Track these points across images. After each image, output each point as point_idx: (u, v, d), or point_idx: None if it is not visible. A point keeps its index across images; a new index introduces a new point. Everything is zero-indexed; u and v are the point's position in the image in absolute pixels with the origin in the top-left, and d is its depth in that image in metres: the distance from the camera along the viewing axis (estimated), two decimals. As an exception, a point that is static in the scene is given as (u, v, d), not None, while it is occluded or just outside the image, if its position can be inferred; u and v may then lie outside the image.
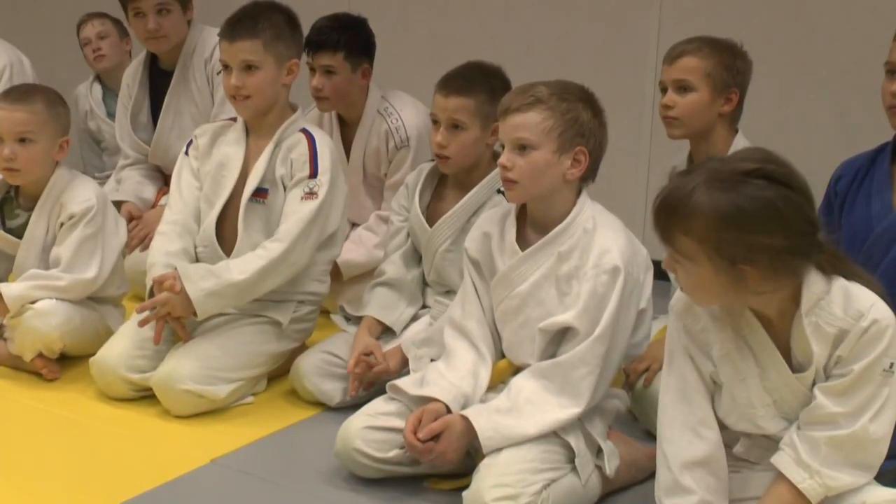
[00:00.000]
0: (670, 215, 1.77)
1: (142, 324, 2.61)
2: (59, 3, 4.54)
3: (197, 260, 2.74)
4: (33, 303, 2.71)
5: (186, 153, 2.81)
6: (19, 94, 2.82)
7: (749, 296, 1.79)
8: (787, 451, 1.83)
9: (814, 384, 1.83)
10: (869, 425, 1.78)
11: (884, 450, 1.81)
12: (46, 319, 2.70)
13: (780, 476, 1.83)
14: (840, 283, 1.80)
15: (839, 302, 1.79)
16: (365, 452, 2.23)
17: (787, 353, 1.84)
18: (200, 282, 2.57)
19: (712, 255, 1.74)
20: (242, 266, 2.60)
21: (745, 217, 1.72)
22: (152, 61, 3.50)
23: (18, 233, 2.83)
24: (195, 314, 2.59)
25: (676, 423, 1.91)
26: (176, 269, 2.61)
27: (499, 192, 2.51)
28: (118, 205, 3.26)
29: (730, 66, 2.54)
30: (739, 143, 2.57)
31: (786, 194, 1.73)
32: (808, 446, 1.80)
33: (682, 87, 2.53)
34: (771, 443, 1.89)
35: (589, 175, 2.23)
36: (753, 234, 1.72)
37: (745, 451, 1.93)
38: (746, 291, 1.78)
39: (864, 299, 1.79)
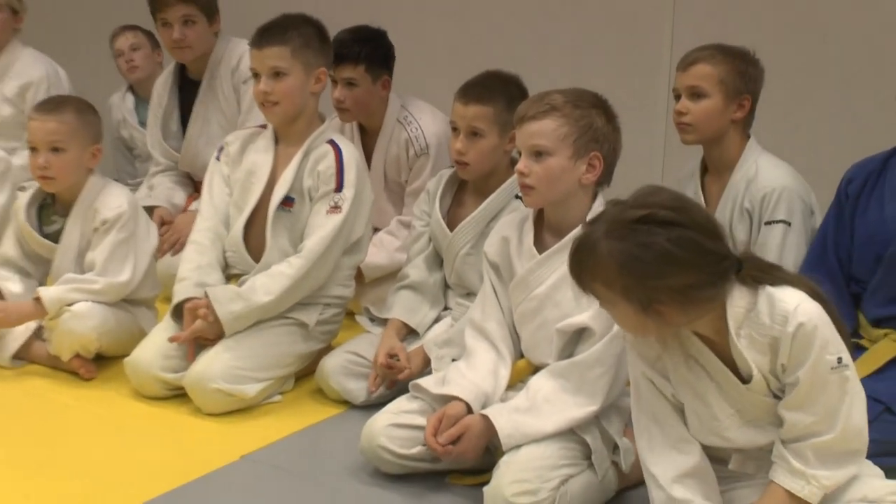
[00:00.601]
0: (580, 265, 1.80)
1: (173, 340, 2.67)
2: (93, 17, 4.56)
3: (226, 265, 2.80)
4: (70, 305, 2.77)
5: (218, 159, 2.84)
6: (51, 105, 2.88)
7: (672, 328, 1.82)
8: (779, 463, 1.84)
9: (771, 391, 1.83)
10: (847, 424, 1.79)
11: (866, 436, 1.83)
12: (83, 321, 2.75)
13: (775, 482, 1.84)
14: (766, 291, 1.79)
15: (765, 310, 1.78)
16: (389, 449, 2.27)
17: (734, 367, 1.85)
18: (229, 304, 2.63)
19: (623, 299, 1.77)
20: (269, 286, 2.65)
21: (640, 264, 1.72)
22: (181, 71, 3.54)
23: (55, 238, 2.89)
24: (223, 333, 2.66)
25: (656, 445, 1.91)
26: (206, 294, 2.65)
27: (517, 197, 2.54)
28: (150, 210, 3.31)
29: (742, 72, 2.55)
30: (752, 148, 2.59)
31: (678, 235, 1.72)
32: (797, 455, 1.81)
33: (696, 94, 2.54)
34: (763, 453, 1.89)
35: (604, 179, 2.26)
36: (652, 280, 1.73)
37: (739, 465, 1.92)
38: (667, 325, 1.79)
39: (788, 302, 1.77)
